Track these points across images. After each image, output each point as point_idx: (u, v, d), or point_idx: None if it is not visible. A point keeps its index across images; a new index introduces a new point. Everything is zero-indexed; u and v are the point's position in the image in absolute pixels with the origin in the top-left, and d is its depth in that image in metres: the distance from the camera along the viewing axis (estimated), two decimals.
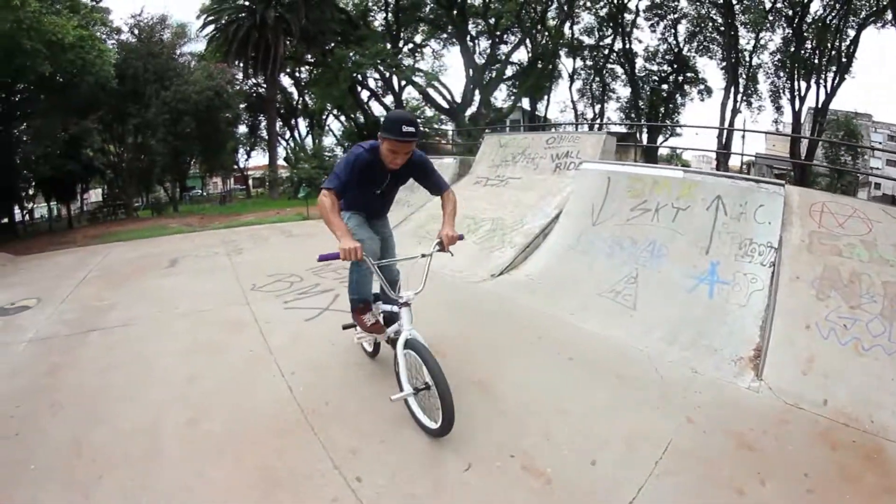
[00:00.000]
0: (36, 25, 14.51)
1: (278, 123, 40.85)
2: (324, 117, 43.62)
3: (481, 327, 5.74)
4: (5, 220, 24.83)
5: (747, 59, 33.19)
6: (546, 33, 36.00)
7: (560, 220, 7.94)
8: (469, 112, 34.88)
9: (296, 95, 42.22)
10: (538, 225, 8.29)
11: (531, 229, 8.27)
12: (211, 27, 29.99)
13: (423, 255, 3.91)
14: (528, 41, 35.90)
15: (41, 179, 23.81)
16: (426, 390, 3.41)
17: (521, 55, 37.47)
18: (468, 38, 34.46)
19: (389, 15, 34.95)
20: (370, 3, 34.68)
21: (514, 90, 38.35)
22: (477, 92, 35.07)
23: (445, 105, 35.43)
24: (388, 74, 34.45)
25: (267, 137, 36.03)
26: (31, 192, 27.02)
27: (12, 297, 7.84)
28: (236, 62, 27.43)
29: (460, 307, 6.34)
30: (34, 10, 14.13)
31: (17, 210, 27.00)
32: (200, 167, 35.28)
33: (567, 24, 35.78)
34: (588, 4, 34.96)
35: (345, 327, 4.65)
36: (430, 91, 34.99)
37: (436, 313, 5.49)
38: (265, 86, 33.72)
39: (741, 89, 33.50)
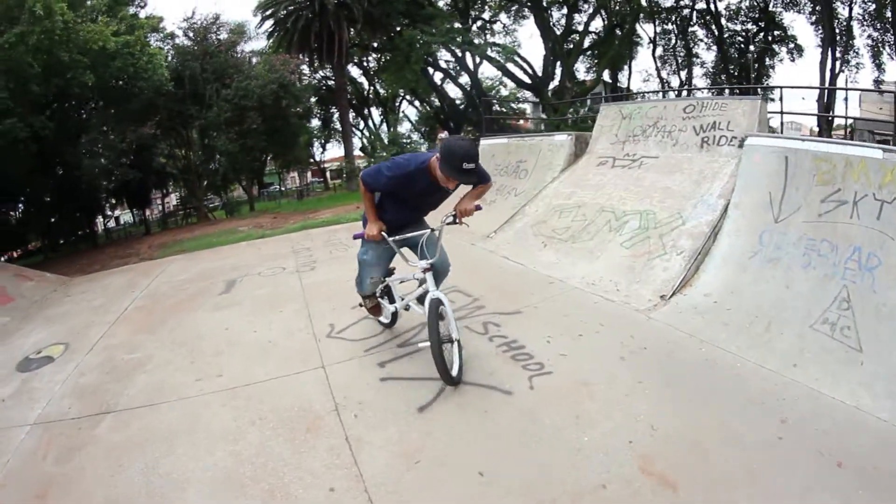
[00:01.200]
0: (73, 36, 13.43)
1: (351, 114, 39.15)
2: (397, 104, 41.69)
3: (701, 406, 3.58)
4: (87, 230, 24.25)
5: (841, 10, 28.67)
6: None
7: (729, 215, 5.97)
8: (551, 87, 31.77)
9: (366, 84, 40.39)
10: (705, 221, 6.14)
11: (698, 228, 6.08)
12: (269, 22, 28.29)
13: (433, 230, 4.19)
14: (602, 9, 32.37)
15: (115, 189, 22.93)
16: (449, 343, 3.94)
17: (597, 24, 34.20)
18: (543, 6, 31.20)
19: None
20: None
21: (596, 61, 35.02)
22: (558, 65, 31.90)
23: (527, 80, 32.43)
24: (460, 53, 31.83)
25: (340, 128, 34.21)
26: (110, 201, 26.18)
27: (43, 339, 6.23)
28: (299, 55, 25.41)
29: (648, 364, 4.17)
30: (67, 20, 12.93)
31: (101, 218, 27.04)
32: (275, 163, 33.83)
33: None
34: None
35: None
36: (510, 66, 31.95)
37: (624, 385, 3.86)
38: (333, 77, 31.84)
39: (838, 45, 28.93)
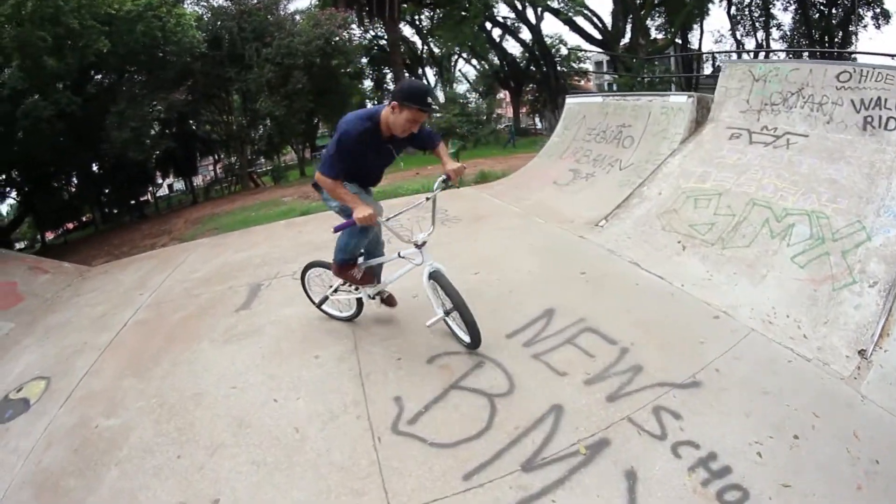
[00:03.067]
0: (83, 1, 12.31)
1: (405, 74, 36.76)
2: (453, 63, 38.97)
3: None
4: (135, 201, 24.70)
5: None
6: None
7: None
8: (621, 45, 28.45)
9: (419, 43, 37.68)
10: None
11: (888, 247, 4.20)
12: None
13: (427, 198, 3.94)
14: None
15: (161, 158, 21.65)
16: (454, 311, 3.69)
17: None
18: None
19: None
20: None
21: (663, 19, 31.39)
22: (630, 20, 28.40)
23: (598, 35, 29.09)
24: (521, 7, 28.73)
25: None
26: (157, 171, 25.01)
27: (31, 365, 4.89)
28: (347, 9, 22.74)
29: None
30: None
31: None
32: (326, 125, 31.80)
33: None
34: None
35: (319, 304, 4.53)
36: (577, 21, 28.64)
37: None
38: (385, 35, 29.40)
39: None
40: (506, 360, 3.70)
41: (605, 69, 50.87)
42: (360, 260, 4.18)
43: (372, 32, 32.68)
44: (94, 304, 6.39)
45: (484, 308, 4.23)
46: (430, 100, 3.46)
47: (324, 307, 4.53)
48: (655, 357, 3.66)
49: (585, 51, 31.94)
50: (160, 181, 29.01)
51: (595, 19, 29.01)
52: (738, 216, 5.24)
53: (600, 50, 27.96)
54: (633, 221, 6.05)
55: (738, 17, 32.61)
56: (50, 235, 32.57)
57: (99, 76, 17.60)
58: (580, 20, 28.81)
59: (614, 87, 24.96)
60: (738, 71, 6.91)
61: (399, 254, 3.95)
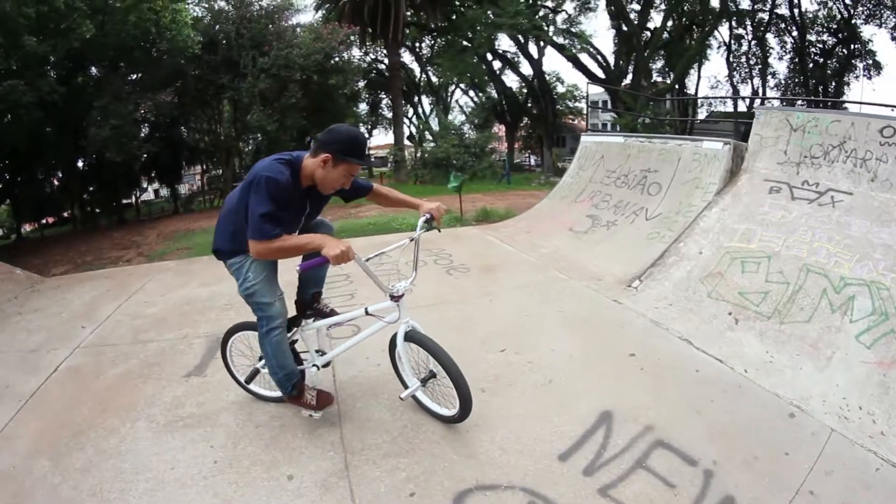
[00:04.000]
0: None
1: (403, 101, 36.01)
2: (450, 92, 38.28)
3: None
4: (116, 203, 23.56)
5: None
6: None
7: None
8: (623, 85, 27.97)
9: (417, 71, 37.00)
10: None
11: None
12: None
13: (412, 239, 3.24)
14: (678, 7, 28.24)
15: (145, 163, 20.64)
16: (433, 378, 3.09)
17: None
18: None
19: None
20: None
21: (662, 63, 31.06)
22: (632, 60, 27.92)
23: (601, 74, 28.52)
24: (523, 40, 28.12)
25: (390, 114, 30.91)
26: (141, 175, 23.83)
27: None
28: (351, 26, 21.68)
29: None
30: None
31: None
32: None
33: None
34: None
35: (246, 382, 3.51)
36: (582, 57, 28.06)
37: None
38: (385, 60, 28.59)
39: None
40: (565, 500, 2.66)
41: (600, 110, 50.88)
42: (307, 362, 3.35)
43: (371, 56, 32.01)
44: (31, 330, 5.41)
45: (521, 407, 3.33)
46: (366, 151, 3.05)
47: (252, 386, 3.53)
48: (745, 480, 2.78)
49: (592, 82, 31.39)
50: (145, 185, 27.64)
51: (599, 58, 28.54)
52: (793, 284, 4.51)
53: (608, 86, 27.26)
54: (672, 284, 5.14)
55: (735, 64, 32.58)
56: (28, 227, 31.26)
57: (92, 69, 16.49)
58: (584, 57, 28.32)
59: (617, 128, 24.44)
60: (775, 119, 6.12)
61: (366, 310, 3.07)
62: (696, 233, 5.61)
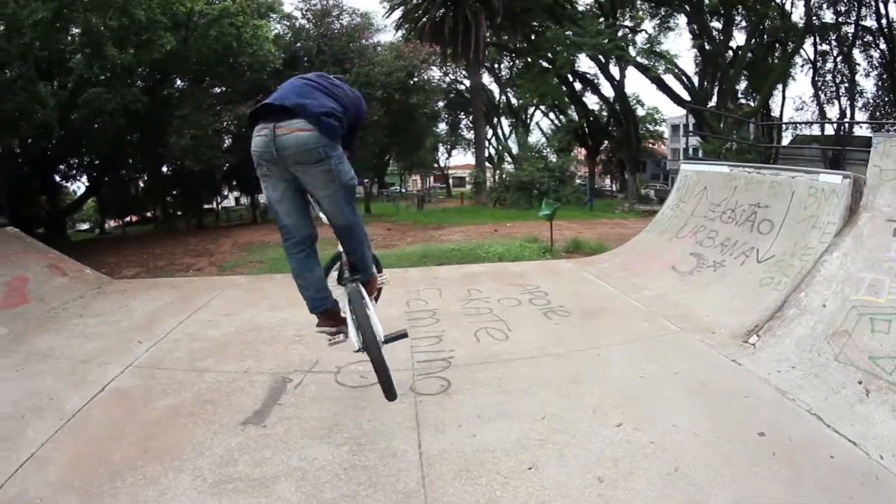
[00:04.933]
0: None
1: (484, 122, 35.66)
2: (529, 114, 37.60)
3: None
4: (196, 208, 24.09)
5: None
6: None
7: None
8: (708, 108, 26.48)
9: (497, 92, 36.50)
10: None
11: None
12: (399, 12, 24.93)
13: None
14: (760, 24, 26.53)
15: (227, 172, 21.08)
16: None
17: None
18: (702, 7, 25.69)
19: None
20: None
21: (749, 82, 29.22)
22: (717, 82, 26.41)
23: (686, 95, 27.13)
24: (604, 61, 27.12)
25: (470, 135, 30.41)
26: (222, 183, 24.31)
27: None
28: (433, 44, 21.26)
29: None
30: None
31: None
32: (397, 164, 30.48)
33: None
34: None
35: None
36: (667, 79, 26.78)
37: None
38: (464, 81, 28.24)
39: None
40: None
41: (681, 133, 48.89)
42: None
43: (451, 76, 31.73)
44: (88, 336, 5.11)
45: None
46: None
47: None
48: None
49: (655, 116, 29.91)
50: (226, 193, 28.20)
51: (684, 78, 27.15)
52: None
53: (695, 107, 25.73)
54: (795, 343, 4.15)
55: (820, 83, 29.95)
56: (113, 223, 32.68)
57: (177, 81, 16.85)
58: (668, 79, 26.98)
59: (699, 153, 23.02)
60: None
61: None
62: (817, 281, 4.62)
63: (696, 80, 28.11)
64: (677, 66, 25.56)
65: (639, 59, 26.23)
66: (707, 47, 26.59)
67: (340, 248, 3.30)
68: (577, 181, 22.86)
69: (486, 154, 35.66)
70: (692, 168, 8.11)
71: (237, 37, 13.10)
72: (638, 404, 3.49)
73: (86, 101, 12.30)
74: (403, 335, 3.11)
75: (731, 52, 27.65)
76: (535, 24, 25.80)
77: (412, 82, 17.99)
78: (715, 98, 27.04)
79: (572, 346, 4.52)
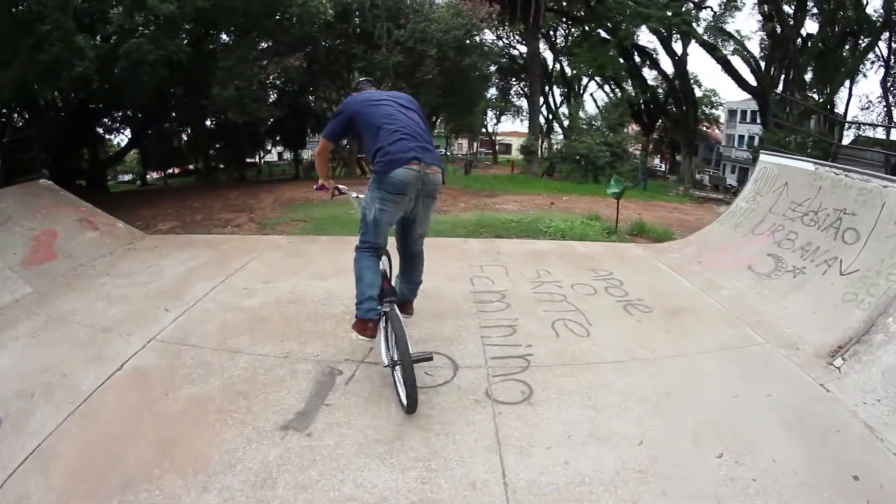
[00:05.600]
0: None
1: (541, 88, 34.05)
2: (583, 85, 35.93)
3: None
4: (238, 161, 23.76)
5: None
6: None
7: None
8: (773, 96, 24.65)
9: (550, 61, 34.79)
10: None
11: None
12: None
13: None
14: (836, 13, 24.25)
15: (271, 126, 20.39)
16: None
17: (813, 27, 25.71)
18: None
19: None
20: None
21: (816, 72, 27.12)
22: (784, 69, 24.55)
23: (753, 80, 25.30)
24: (666, 34, 25.38)
25: (519, 102, 29.11)
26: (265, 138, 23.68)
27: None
28: (492, 3, 19.73)
29: None
30: None
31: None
32: (446, 126, 29.38)
33: None
34: None
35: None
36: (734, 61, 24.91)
37: None
38: (516, 47, 26.90)
39: None
40: None
41: (738, 119, 46.50)
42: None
43: (504, 41, 30.27)
44: (112, 299, 4.66)
45: None
46: None
47: None
48: None
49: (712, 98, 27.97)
50: (269, 148, 27.69)
51: (752, 62, 25.24)
52: None
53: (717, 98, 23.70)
54: (881, 373, 3.51)
55: (891, 84, 27.07)
56: (155, 175, 32.67)
57: (222, 35, 16.08)
58: (735, 61, 25.10)
59: (755, 142, 21.46)
60: None
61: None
62: None
63: (762, 64, 26.04)
64: (746, 48, 23.51)
65: (706, 36, 24.36)
66: (778, 31, 24.60)
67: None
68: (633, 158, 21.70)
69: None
70: (772, 160, 7.24)
71: None
72: (736, 431, 2.92)
73: (126, 53, 11.62)
74: (429, 358, 2.96)
75: (800, 40, 25.53)
76: None
77: (468, 42, 16.87)
78: (781, 86, 25.15)
79: (660, 352, 3.83)
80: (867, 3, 23.84)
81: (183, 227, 8.60)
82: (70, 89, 14.09)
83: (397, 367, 2.87)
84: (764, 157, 7.41)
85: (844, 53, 25.69)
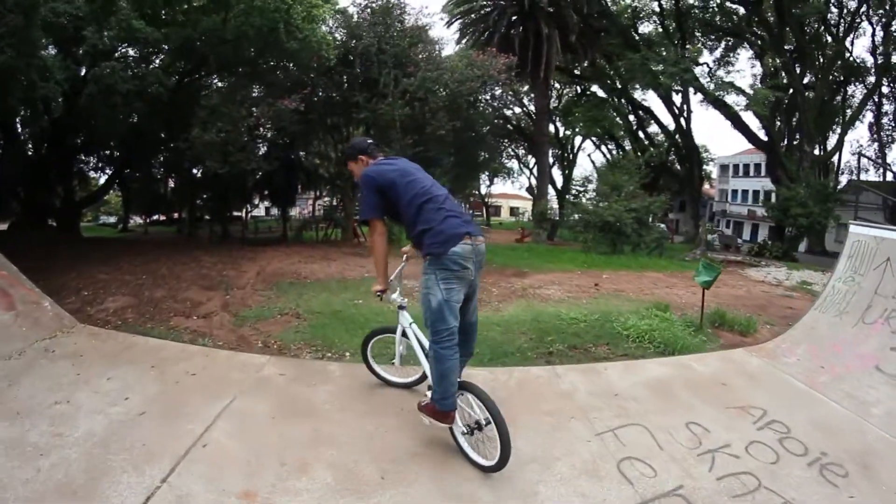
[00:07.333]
0: None
1: (521, 150, 32.54)
2: (576, 144, 34.65)
3: None
4: (223, 214, 21.09)
5: None
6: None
7: None
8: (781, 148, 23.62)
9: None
10: None
11: None
12: (461, 21, 22.31)
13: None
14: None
15: (258, 180, 18.49)
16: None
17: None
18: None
19: (666, 21, 24.76)
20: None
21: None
22: (795, 121, 23.56)
23: (763, 136, 24.08)
24: (666, 92, 24.19)
25: (511, 164, 27.32)
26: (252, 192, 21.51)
27: None
28: (507, 56, 17.79)
29: None
30: None
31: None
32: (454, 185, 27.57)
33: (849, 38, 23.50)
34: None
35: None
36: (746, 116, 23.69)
37: None
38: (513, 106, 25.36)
39: None
40: None
41: (730, 174, 45.59)
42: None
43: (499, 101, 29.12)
44: None
45: None
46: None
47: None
48: None
49: (754, 145, 26.68)
50: (256, 202, 25.40)
51: (764, 116, 24.02)
52: None
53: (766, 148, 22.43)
54: None
55: (873, 127, 27.09)
56: (139, 219, 30.71)
57: (204, 70, 14.18)
58: (750, 118, 23.97)
59: (760, 197, 20.30)
60: None
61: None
62: None
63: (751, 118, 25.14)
64: (763, 103, 22.18)
65: (717, 93, 23.15)
66: (784, 82, 23.70)
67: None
68: (660, 225, 19.90)
69: (528, 184, 32.84)
70: (867, 232, 6.03)
71: (286, 12, 10.35)
72: None
73: (95, 77, 9.78)
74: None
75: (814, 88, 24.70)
76: (611, 42, 23.07)
77: (484, 97, 15.12)
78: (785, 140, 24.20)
79: None
80: (851, 50, 23.88)
81: (137, 307, 6.29)
82: (28, 110, 12.04)
83: (485, 427, 2.91)
84: (855, 230, 6.21)
85: (843, 102, 25.79)
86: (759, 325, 6.38)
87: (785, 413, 3.95)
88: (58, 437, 3.04)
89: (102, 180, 24.12)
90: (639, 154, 28.91)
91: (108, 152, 20.21)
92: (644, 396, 4.13)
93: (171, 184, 24.46)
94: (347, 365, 4.32)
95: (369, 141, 3.44)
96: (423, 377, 3.64)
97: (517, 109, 28.68)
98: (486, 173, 33.19)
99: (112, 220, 40.02)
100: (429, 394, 3.12)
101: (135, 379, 3.85)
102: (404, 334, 3.50)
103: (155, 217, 31.81)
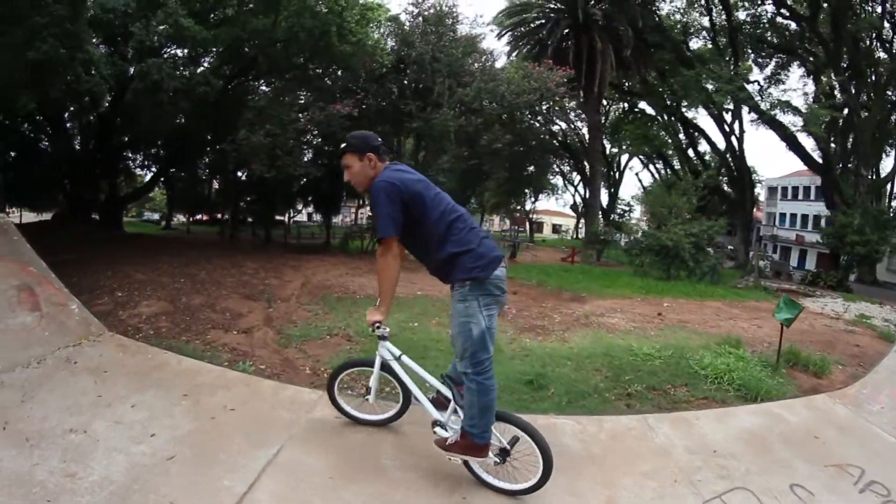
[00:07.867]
0: None
1: (566, 166, 31.63)
2: (622, 162, 33.67)
3: None
4: (266, 218, 20.96)
5: None
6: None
7: None
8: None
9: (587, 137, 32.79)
10: None
11: None
12: (511, 33, 21.75)
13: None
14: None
15: (304, 186, 17.99)
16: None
17: None
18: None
19: (717, 37, 23.66)
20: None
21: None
22: (850, 143, 22.21)
23: (819, 159, 22.76)
24: (718, 111, 23.13)
25: (556, 180, 26.58)
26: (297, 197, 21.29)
27: None
28: (565, 69, 17.13)
29: None
30: None
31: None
32: (485, 199, 26.79)
33: None
34: None
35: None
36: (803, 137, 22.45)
37: None
38: (559, 122, 24.59)
39: None
40: None
41: (778, 197, 43.73)
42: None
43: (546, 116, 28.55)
44: None
45: None
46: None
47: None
48: None
49: (810, 168, 25.30)
50: (300, 207, 25.21)
51: (821, 138, 22.71)
52: None
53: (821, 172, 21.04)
54: None
55: None
56: (182, 217, 30.96)
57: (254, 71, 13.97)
58: (805, 139, 22.68)
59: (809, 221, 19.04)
60: None
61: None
62: None
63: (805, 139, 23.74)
64: (823, 122, 20.93)
65: (773, 112, 21.99)
66: (840, 101, 22.33)
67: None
68: (729, 247, 18.79)
69: (573, 201, 31.92)
70: None
71: (338, 15, 9.95)
72: None
73: (141, 73, 9.55)
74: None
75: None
76: (665, 57, 22.27)
77: (539, 109, 14.47)
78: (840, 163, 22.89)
79: None
80: None
81: (172, 314, 5.80)
82: (73, 104, 11.94)
83: (519, 442, 2.81)
84: None
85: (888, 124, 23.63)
86: (831, 364, 5.71)
87: (880, 472, 3.51)
88: (69, 478, 2.53)
89: (148, 178, 24.52)
90: (691, 174, 27.83)
91: (154, 150, 20.29)
92: (742, 453, 3.57)
93: (216, 185, 24.43)
94: (412, 408, 3.64)
95: (379, 140, 2.92)
96: (400, 413, 3.38)
97: (563, 125, 28.02)
98: (532, 188, 32.49)
99: (156, 216, 40.63)
100: (441, 431, 2.88)
101: (163, 409, 3.28)
102: (384, 368, 3.15)
103: (198, 216, 31.95)
